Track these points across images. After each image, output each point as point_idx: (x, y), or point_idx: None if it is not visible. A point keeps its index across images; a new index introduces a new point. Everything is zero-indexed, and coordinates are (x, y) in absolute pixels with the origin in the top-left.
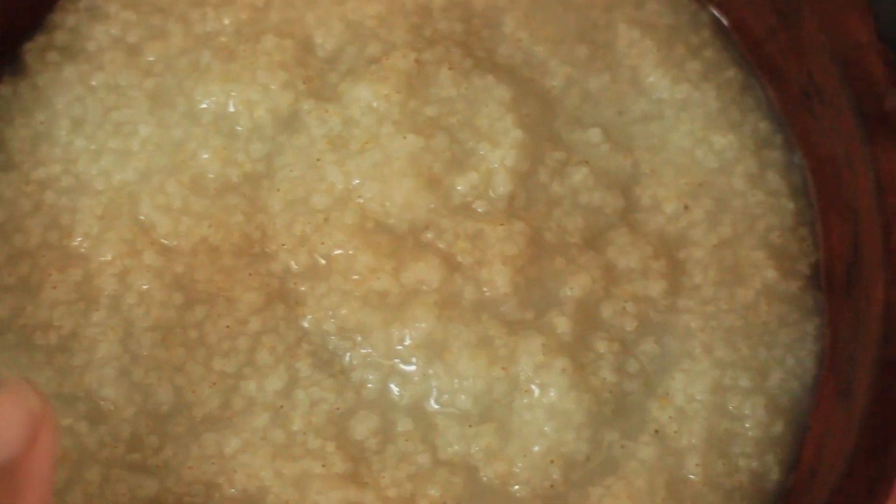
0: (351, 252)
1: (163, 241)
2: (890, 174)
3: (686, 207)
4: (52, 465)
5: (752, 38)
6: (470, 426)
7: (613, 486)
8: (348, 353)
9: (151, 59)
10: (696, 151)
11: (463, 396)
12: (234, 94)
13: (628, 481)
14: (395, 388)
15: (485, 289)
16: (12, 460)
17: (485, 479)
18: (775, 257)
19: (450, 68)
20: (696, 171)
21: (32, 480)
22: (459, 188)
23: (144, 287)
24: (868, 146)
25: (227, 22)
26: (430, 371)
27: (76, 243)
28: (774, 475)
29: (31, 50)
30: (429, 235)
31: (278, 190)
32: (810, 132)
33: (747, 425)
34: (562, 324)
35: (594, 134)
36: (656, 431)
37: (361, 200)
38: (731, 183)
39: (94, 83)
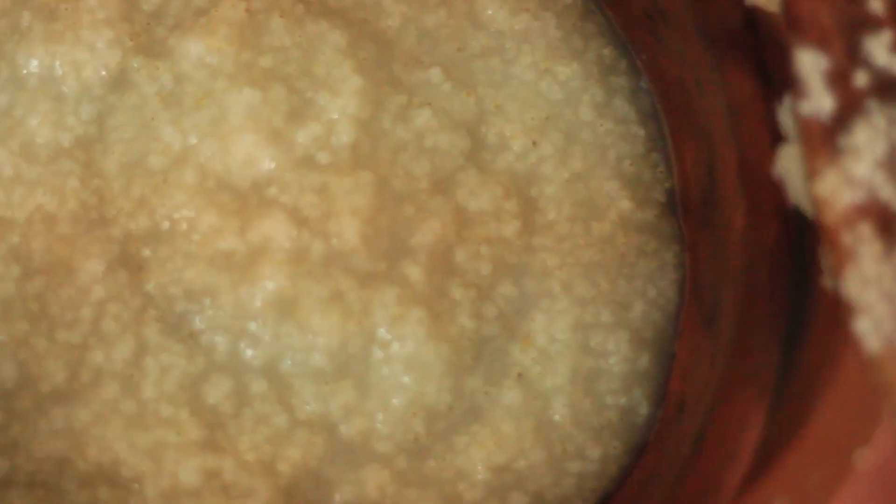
0: (193, 213)
1: None
2: (742, 99)
3: (534, 143)
4: None
5: None
6: (326, 384)
7: (479, 433)
8: (197, 317)
9: None
10: (540, 84)
11: (317, 354)
12: (58, 55)
13: (494, 428)
14: (247, 350)
15: (334, 242)
16: None
17: (346, 436)
18: (629, 187)
19: (281, 16)
20: (541, 104)
21: None
22: (301, 140)
23: None
24: (718, 72)
25: None
26: (282, 330)
27: None
28: (643, 409)
29: None
30: (273, 191)
31: (113, 152)
32: (657, 56)
33: (612, 361)
34: (415, 273)
35: (434, 73)
36: (519, 375)
37: (200, 159)
38: (578, 114)
39: None
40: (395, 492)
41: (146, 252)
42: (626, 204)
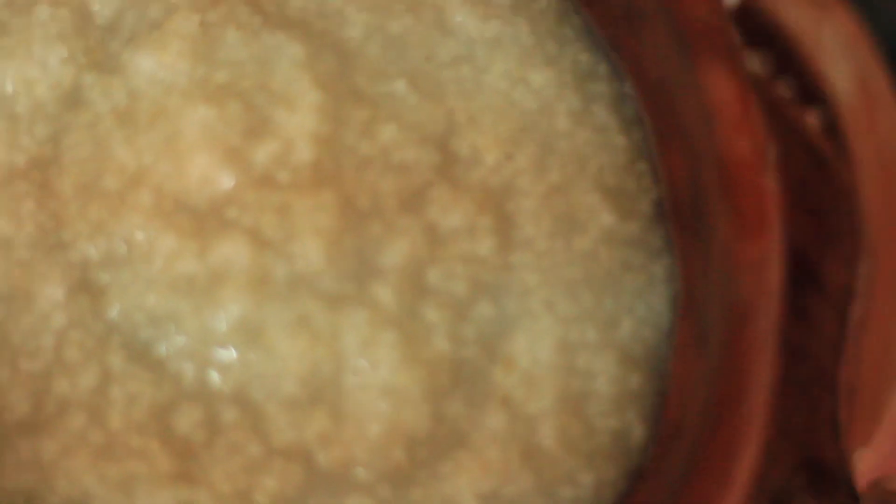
0: (151, 235)
1: None
2: (717, 102)
3: (509, 156)
4: None
5: None
6: (299, 411)
7: (464, 459)
8: (162, 343)
9: None
10: (513, 93)
11: (288, 380)
12: (10, 73)
13: (479, 453)
14: (215, 376)
15: (298, 264)
16: None
17: (324, 465)
18: (611, 198)
19: (237, 28)
20: (515, 114)
21: None
22: (259, 159)
23: None
24: (690, 72)
25: None
26: (251, 356)
27: None
28: (638, 432)
29: None
30: (232, 212)
31: (69, 173)
32: (640, 58)
33: (600, 382)
34: (385, 294)
35: (400, 85)
36: (503, 399)
37: (156, 179)
38: (554, 124)
39: None
40: None
41: (106, 277)
42: (608, 217)
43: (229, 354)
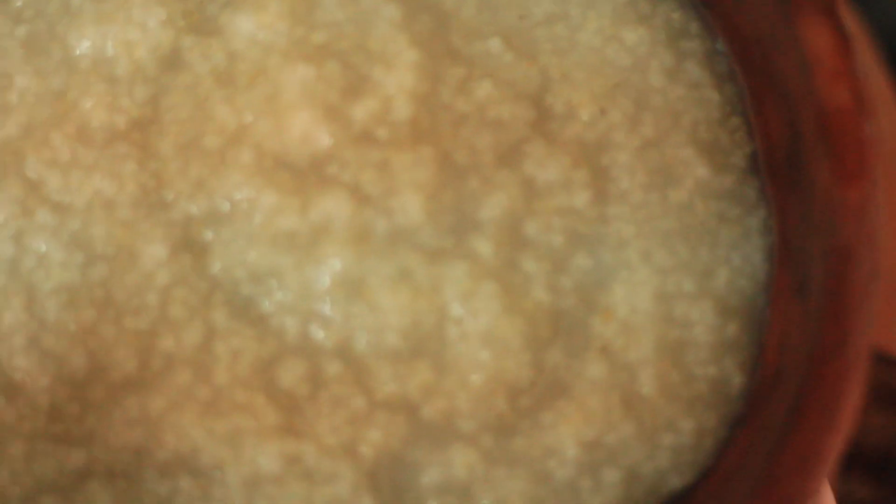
0: (252, 193)
1: (54, 197)
2: (817, 54)
3: (603, 111)
4: None
5: None
6: (402, 363)
7: (565, 408)
8: (264, 299)
9: (19, 4)
10: (606, 50)
11: (390, 333)
12: (110, 35)
13: (580, 402)
14: (318, 331)
15: (398, 219)
16: None
17: (427, 416)
18: (706, 152)
19: None
20: (609, 71)
21: None
22: (358, 116)
23: (42, 248)
24: (791, 25)
25: None
26: (352, 310)
27: None
28: (737, 379)
29: None
30: (332, 168)
31: (168, 133)
32: (732, 15)
33: (698, 331)
34: (484, 247)
35: (495, 43)
36: (602, 348)
37: (256, 138)
38: (648, 80)
39: None
40: (483, 471)
41: (208, 234)
42: (703, 170)
43: (331, 309)
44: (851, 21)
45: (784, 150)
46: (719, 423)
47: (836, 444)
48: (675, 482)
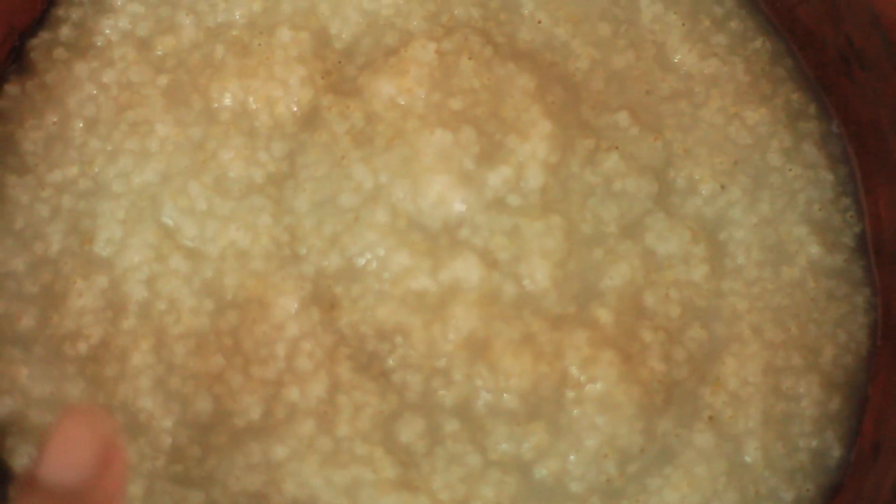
0: (384, 252)
1: (189, 244)
2: None
3: (723, 187)
4: (123, 491)
5: (781, 3)
6: (518, 425)
7: (672, 475)
8: (389, 356)
9: (161, 53)
10: (728, 128)
11: (509, 395)
12: (251, 90)
13: (687, 470)
14: (439, 390)
15: (525, 284)
16: (83, 483)
17: (539, 477)
18: (818, 231)
19: (470, 58)
20: (729, 148)
21: None
22: (491, 183)
23: (174, 293)
24: None
25: (238, 14)
26: (474, 370)
27: (99, 249)
28: (836, 451)
29: (36, 47)
30: (464, 232)
31: (304, 190)
32: (849, 98)
33: (804, 404)
34: (605, 315)
35: (622, 117)
36: (710, 418)
37: (392, 199)
38: (766, 158)
39: (105, 80)
40: None
41: (338, 290)
42: (815, 248)
43: (454, 369)
44: None
45: (892, 230)
46: (817, 493)
47: None
48: None
